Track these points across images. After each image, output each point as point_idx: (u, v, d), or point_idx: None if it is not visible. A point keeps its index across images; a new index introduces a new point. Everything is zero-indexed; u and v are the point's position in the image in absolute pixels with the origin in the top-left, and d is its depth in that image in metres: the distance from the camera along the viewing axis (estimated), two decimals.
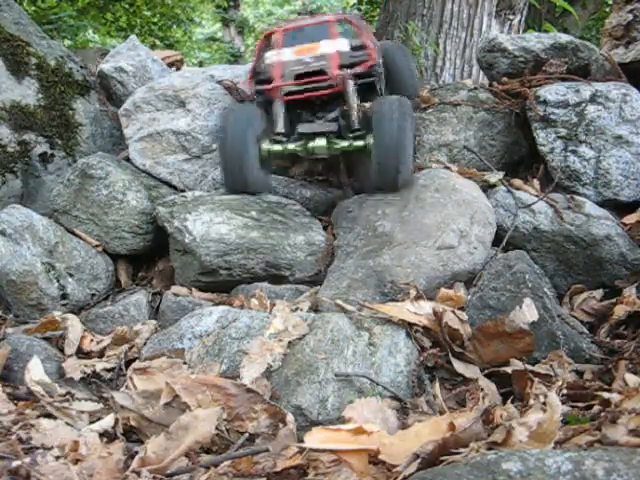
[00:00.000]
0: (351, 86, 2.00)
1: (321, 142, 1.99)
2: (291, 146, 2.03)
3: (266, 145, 2.04)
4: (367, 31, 2.14)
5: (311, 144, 1.99)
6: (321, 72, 1.98)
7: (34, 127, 2.38)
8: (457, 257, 1.74)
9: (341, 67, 1.99)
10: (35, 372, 1.41)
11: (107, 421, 1.24)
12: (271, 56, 2.04)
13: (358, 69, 1.99)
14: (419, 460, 0.97)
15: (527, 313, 1.42)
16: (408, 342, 1.45)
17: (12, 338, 1.61)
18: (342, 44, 2.00)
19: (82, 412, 1.32)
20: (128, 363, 1.57)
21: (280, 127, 2.04)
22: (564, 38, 2.35)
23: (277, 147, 2.04)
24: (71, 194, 2.14)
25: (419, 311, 1.50)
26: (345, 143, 2.00)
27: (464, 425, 1.04)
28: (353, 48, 2.03)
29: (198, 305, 1.82)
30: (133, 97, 2.42)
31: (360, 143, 1.98)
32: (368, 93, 2.11)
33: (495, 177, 2.09)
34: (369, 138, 1.95)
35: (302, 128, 2.01)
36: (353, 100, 1.99)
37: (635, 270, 1.82)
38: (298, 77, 2.00)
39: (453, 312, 1.49)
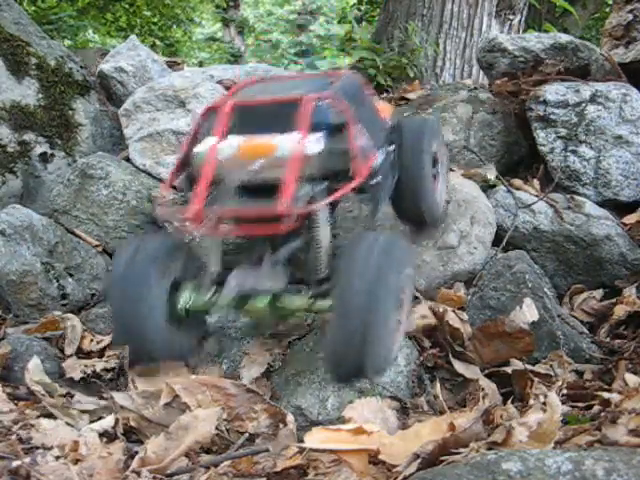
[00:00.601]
0: (322, 214, 1.29)
1: (259, 303, 1.27)
2: (224, 299, 1.30)
3: (186, 297, 1.34)
4: (360, 112, 1.36)
5: (249, 304, 1.29)
6: (274, 188, 1.20)
7: (34, 127, 2.38)
8: (457, 257, 1.74)
9: (310, 180, 1.25)
10: (35, 372, 1.40)
11: (107, 421, 1.24)
12: (204, 147, 1.31)
13: (332, 195, 1.23)
14: (419, 460, 0.97)
15: (527, 313, 1.43)
16: (408, 342, 1.45)
17: (12, 338, 1.61)
18: (312, 144, 1.24)
19: (82, 412, 1.32)
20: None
21: (213, 270, 1.35)
22: (564, 38, 2.35)
23: (201, 300, 1.33)
24: (71, 194, 2.14)
25: (419, 314, 1.50)
26: (300, 302, 1.27)
27: (464, 425, 1.05)
28: (332, 150, 1.28)
29: None
30: (133, 97, 2.42)
31: (325, 303, 1.25)
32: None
33: (492, 172, 2.09)
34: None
35: (234, 280, 1.29)
36: (322, 234, 1.28)
37: (635, 270, 1.82)
38: (242, 191, 1.27)
39: (454, 311, 1.49)
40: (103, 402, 1.39)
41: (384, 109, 1.64)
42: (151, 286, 1.28)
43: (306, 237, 1.31)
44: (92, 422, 1.28)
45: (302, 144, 1.22)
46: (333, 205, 1.43)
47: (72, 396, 1.39)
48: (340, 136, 1.28)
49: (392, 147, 1.55)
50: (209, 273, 1.35)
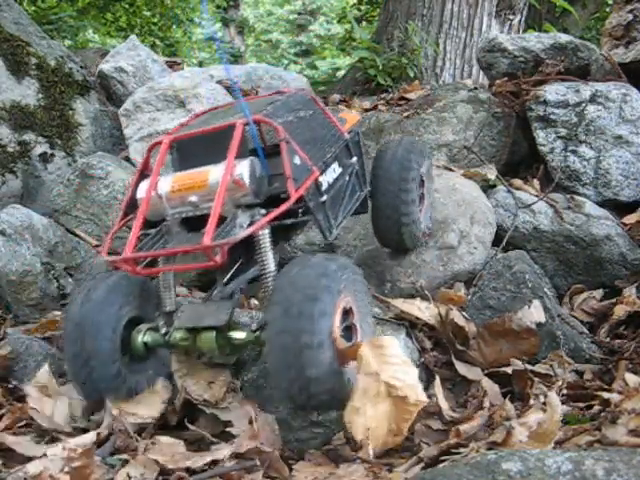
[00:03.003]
0: (264, 239, 1.24)
1: (208, 337, 1.24)
2: (177, 336, 1.28)
3: (142, 335, 1.32)
4: (301, 129, 1.34)
5: (198, 339, 1.26)
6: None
7: (34, 127, 2.38)
8: (457, 257, 1.74)
9: (246, 208, 1.23)
10: (42, 378, 1.39)
11: (89, 437, 1.20)
12: (141, 190, 1.32)
13: (264, 219, 1.19)
14: (422, 465, 0.98)
15: (535, 314, 1.42)
16: (408, 342, 1.45)
17: (12, 338, 1.61)
18: (241, 170, 1.21)
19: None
20: None
21: (166, 305, 1.33)
22: (564, 38, 2.36)
23: (157, 338, 1.31)
24: (71, 194, 2.14)
25: (425, 310, 1.51)
26: (245, 335, 1.23)
27: (469, 432, 1.06)
28: (269, 174, 1.26)
29: None
30: (133, 97, 2.42)
31: None
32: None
33: (492, 172, 2.09)
34: None
35: (179, 318, 1.29)
36: (267, 261, 1.24)
37: (635, 270, 1.82)
38: (184, 226, 1.29)
39: (459, 310, 1.49)
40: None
41: (348, 118, 1.60)
42: (104, 326, 1.26)
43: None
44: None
45: (230, 171, 1.18)
46: (285, 232, 1.39)
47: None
48: (277, 158, 1.24)
49: (354, 159, 1.49)
50: (163, 311, 1.33)
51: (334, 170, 1.40)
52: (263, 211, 1.22)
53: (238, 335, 1.24)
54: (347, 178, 1.45)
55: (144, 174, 1.35)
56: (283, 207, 1.17)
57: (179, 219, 1.27)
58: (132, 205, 1.33)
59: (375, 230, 1.68)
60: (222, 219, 1.18)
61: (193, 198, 1.24)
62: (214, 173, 1.22)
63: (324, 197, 1.31)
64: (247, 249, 1.30)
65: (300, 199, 1.21)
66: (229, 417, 1.25)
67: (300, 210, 1.25)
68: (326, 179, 1.34)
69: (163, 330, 1.30)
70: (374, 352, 1.10)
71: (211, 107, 1.61)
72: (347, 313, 1.17)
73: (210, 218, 1.11)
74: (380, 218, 1.63)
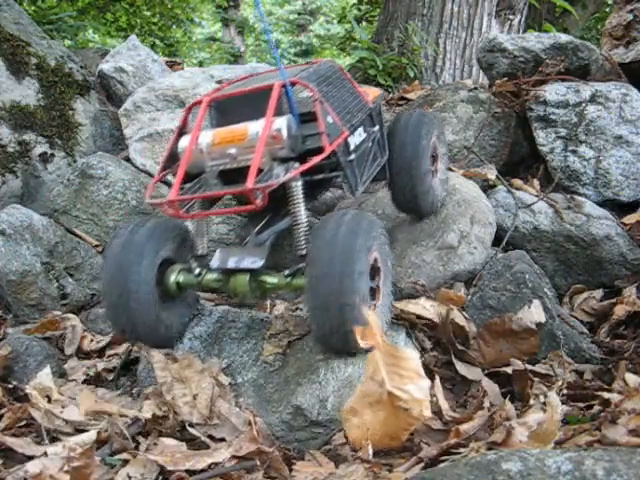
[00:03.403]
0: (297, 191, 1.34)
1: (242, 279, 1.35)
2: (210, 277, 1.41)
3: (175, 275, 1.41)
4: (332, 93, 1.45)
5: (232, 281, 1.37)
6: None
7: (34, 127, 2.38)
8: (457, 257, 1.74)
9: (282, 161, 1.34)
10: (43, 380, 1.38)
11: (89, 435, 1.20)
12: (184, 142, 1.42)
13: (298, 169, 1.30)
14: (422, 465, 0.98)
15: (535, 314, 1.42)
16: (408, 342, 1.45)
17: (12, 338, 1.61)
18: (279, 126, 1.31)
19: (67, 422, 1.29)
20: (130, 362, 1.57)
21: (199, 249, 1.46)
22: (564, 38, 2.35)
23: (189, 278, 1.41)
24: (71, 194, 2.14)
25: (430, 308, 1.51)
26: (277, 279, 1.36)
27: (469, 432, 1.06)
28: (303, 131, 1.36)
29: None
30: (133, 97, 2.42)
31: (302, 280, 1.30)
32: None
33: (492, 172, 2.09)
34: None
35: (216, 260, 1.39)
36: (298, 210, 1.34)
37: (635, 270, 1.82)
38: (222, 177, 1.38)
39: (460, 310, 1.49)
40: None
41: (369, 92, 1.70)
42: (141, 263, 1.34)
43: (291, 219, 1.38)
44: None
45: (269, 126, 1.29)
46: (314, 188, 1.50)
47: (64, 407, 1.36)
48: (311, 118, 1.35)
49: (376, 128, 1.59)
50: (195, 254, 1.45)
51: (360, 134, 1.51)
52: (297, 165, 1.32)
53: (271, 279, 1.36)
54: (370, 144, 1.56)
55: (182, 132, 1.46)
56: (318, 158, 1.28)
57: (217, 171, 1.37)
58: (171, 159, 1.45)
59: (393, 201, 1.78)
60: (259, 172, 1.26)
61: (232, 150, 1.33)
62: (254, 127, 1.32)
63: (352, 156, 1.42)
64: (277, 203, 1.40)
65: (330, 156, 1.32)
66: (222, 434, 1.24)
67: (329, 168, 1.38)
68: (354, 141, 1.45)
69: (196, 271, 1.41)
70: (386, 360, 1.10)
71: (244, 75, 1.74)
72: (374, 267, 1.30)
73: (251, 166, 1.22)
74: (397, 190, 1.73)
